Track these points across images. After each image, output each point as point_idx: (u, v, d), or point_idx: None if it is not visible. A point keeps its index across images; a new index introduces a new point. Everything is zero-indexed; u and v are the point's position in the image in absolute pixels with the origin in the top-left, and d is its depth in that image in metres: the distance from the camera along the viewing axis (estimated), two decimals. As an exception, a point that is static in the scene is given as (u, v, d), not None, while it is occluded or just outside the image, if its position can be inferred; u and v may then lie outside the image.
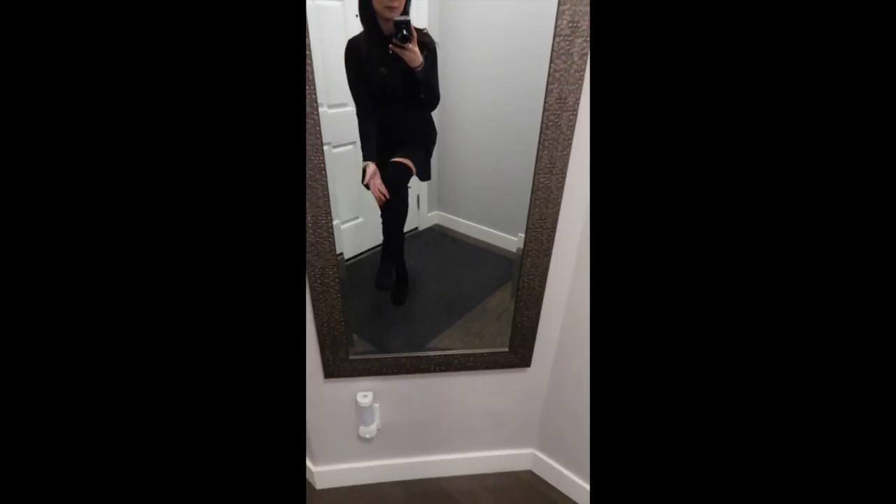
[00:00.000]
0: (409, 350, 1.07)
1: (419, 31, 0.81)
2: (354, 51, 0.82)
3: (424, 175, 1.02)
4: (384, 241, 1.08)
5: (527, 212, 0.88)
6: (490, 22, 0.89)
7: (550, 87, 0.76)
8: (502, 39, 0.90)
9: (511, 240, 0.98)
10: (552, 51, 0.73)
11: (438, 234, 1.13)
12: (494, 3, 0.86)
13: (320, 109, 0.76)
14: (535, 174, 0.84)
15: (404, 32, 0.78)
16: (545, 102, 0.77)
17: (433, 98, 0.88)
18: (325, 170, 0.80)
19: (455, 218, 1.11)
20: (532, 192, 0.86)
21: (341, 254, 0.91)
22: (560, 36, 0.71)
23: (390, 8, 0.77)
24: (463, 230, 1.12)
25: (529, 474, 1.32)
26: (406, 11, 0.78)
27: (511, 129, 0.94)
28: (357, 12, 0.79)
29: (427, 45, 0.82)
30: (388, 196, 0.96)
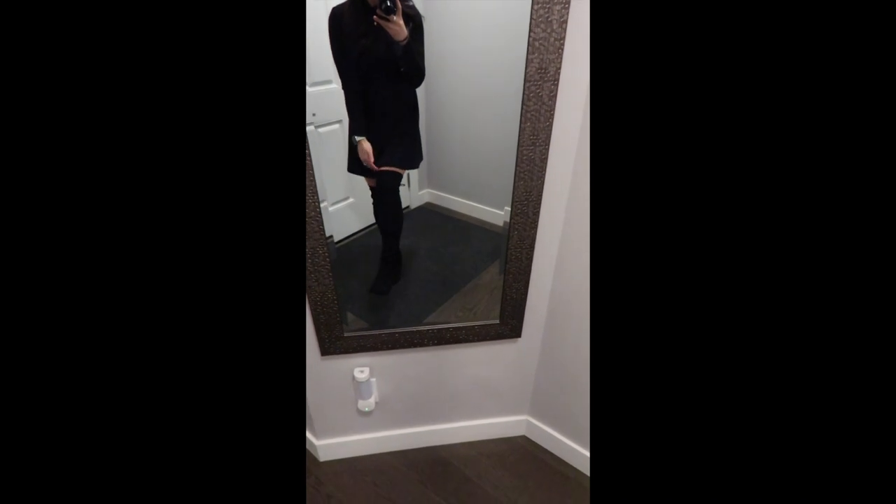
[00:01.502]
0: (403, 326, 1.10)
1: (405, 2, 0.78)
2: (337, 20, 0.80)
3: (417, 161, 1.01)
4: (383, 246, 1.09)
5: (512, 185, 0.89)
6: (473, 28, 0.87)
7: (531, 56, 0.75)
8: (486, 12, 0.88)
9: (499, 214, 0.99)
10: (531, 19, 0.72)
11: (430, 213, 1.14)
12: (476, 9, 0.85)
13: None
14: (518, 146, 0.84)
15: (388, 3, 0.76)
16: (525, 73, 0.76)
17: (418, 73, 0.86)
18: (308, 150, 0.80)
19: (446, 195, 1.12)
20: (516, 164, 0.86)
21: (331, 236, 0.91)
22: (538, 3, 0.70)
23: None
24: (454, 207, 1.13)
25: (524, 439, 1.37)
26: None
27: (497, 103, 0.94)
28: None
29: (413, 17, 0.80)
30: (374, 164, 0.95)
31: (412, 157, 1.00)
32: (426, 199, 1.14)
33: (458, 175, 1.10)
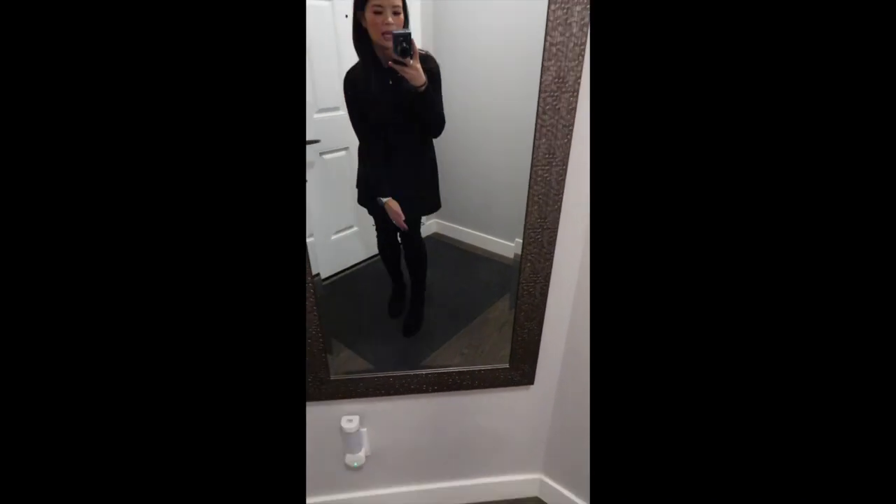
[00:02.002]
0: (405, 367, 0.98)
1: (421, 53, 0.73)
2: (353, 85, 0.76)
3: (436, 205, 0.95)
4: (417, 286, 1.04)
5: (524, 212, 0.78)
6: (482, 28, 0.81)
7: (547, 63, 0.66)
8: (495, 45, 0.82)
9: (509, 245, 0.88)
10: (547, 21, 0.63)
11: (438, 243, 1.06)
12: (485, 11, 0.79)
13: (308, 114, 0.69)
14: (532, 166, 0.74)
15: (404, 45, 0.70)
16: (541, 82, 0.67)
17: (438, 121, 0.81)
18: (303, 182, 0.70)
19: (454, 226, 1.04)
20: (529, 187, 0.75)
21: (318, 274, 0.84)
22: (556, 4, 0.62)
23: (386, 34, 0.70)
24: (462, 238, 1.05)
25: (536, 501, 1.19)
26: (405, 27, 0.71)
27: (509, 125, 0.85)
28: (347, 14, 0.71)
29: (430, 69, 0.75)
30: (404, 224, 0.91)
31: (432, 204, 0.95)
32: (433, 229, 1.06)
33: (466, 204, 1.02)
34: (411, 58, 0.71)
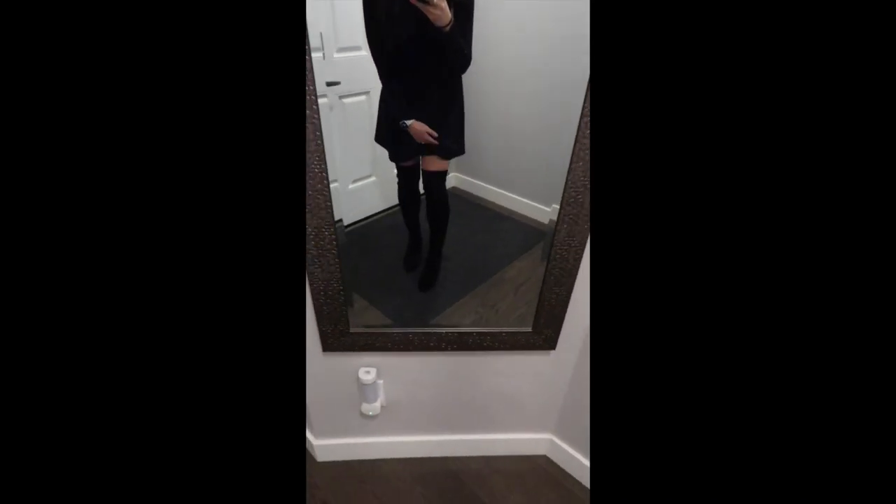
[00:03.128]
0: (418, 322, 0.96)
1: None
2: (372, 3, 0.68)
3: (459, 150, 0.88)
4: (436, 240, 0.99)
5: (565, 175, 0.72)
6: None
7: None
8: (543, 22, 0.73)
9: (544, 210, 0.83)
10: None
11: (455, 198, 1.00)
12: None
13: (318, 55, 0.61)
14: (581, 117, 0.66)
15: None
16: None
17: (463, 60, 0.73)
18: (319, 124, 0.65)
19: (476, 182, 0.98)
20: (575, 141, 0.68)
21: (340, 220, 0.79)
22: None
23: None
24: (484, 195, 0.99)
25: (544, 459, 1.22)
26: None
27: (553, 84, 0.77)
28: None
29: (459, 1, 0.66)
30: (436, 135, 0.84)
31: (458, 146, 0.88)
32: (452, 182, 1.00)
33: (494, 161, 0.95)
34: None
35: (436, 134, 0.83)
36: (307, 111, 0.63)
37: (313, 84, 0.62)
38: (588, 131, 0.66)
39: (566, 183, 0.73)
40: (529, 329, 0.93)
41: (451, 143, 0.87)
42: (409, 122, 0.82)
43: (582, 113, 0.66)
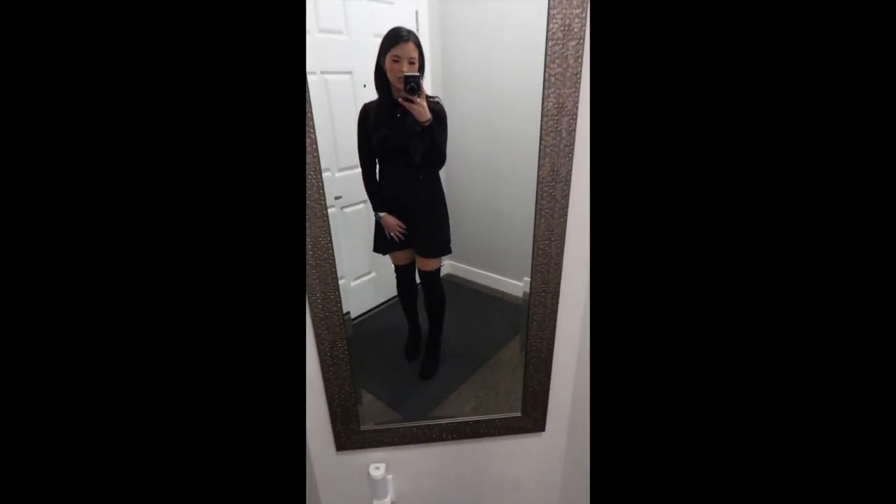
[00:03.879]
0: (423, 410, 1.06)
1: (430, 97, 0.87)
2: (365, 115, 0.89)
3: (444, 249, 1.04)
4: (434, 330, 1.12)
5: (530, 255, 0.88)
6: (488, 90, 0.95)
7: (542, 161, 0.80)
8: (501, 105, 0.95)
9: (518, 285, 0.99)
10: (541, 128, 0.77)
11: (449, 283, 1.13)
12: (492, 76, 0.93)
13: (328, 174, 0.77)
14: (534, 240, 0.86)
15: (412, 85, 0.84)
16: (538, 175, 0.81)
17: (439, 155, 0.91)
18: (331, 243, 0.83)
19: (466, 266, 1.13)
20: (532, 256, 0.88)
21: (347, 313, 0.92)
22: (547, 116, 0.76)
23: (400, 78, 0.84)
24: (473, 278, 1.13)
25: (554, 546, 1.24)
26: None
27: (513, 183, 0.97)
28: (365, 83, 0.86)
29: (436, 110, 0.88)
30: (404, 228, 0.99)
31: (444, 242, 1.03)
32: (447, 270, 1.14)
33: (477, 245, 1.11)
34: (418, 96, 0.84)
35: (403, 227, 0.98)
36: (322, 240, 0.80)
37: (323, 199, 0.79)
38: (538, 250, 0.86)
39: (531, 290, 0.91)
40: (519, 414, 1.05)
41: (438, 243, 1.02)
42: (382, 215, 0.98)
43: (534, 237, 0.86)
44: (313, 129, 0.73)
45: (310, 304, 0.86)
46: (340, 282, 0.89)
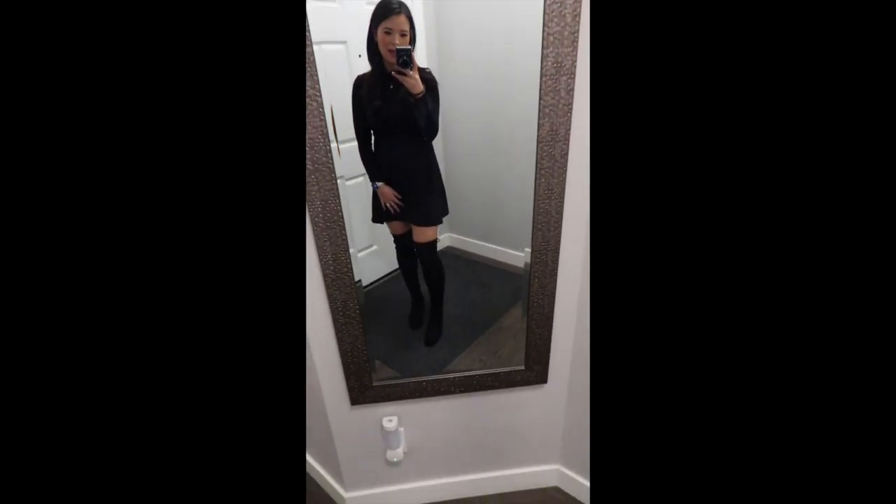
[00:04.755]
0: (429, 373, 1.12)
1: (422, 69, 0.88)
2: (358, 86, 0.91)
3: (441, 214, 1.06)
4: (435, 300, 1.16)
5: (531, 225, 0.92)
6: (483, 59, 0.96)
7: (542, 121, 0.82)
8: (496, 76, 0.96)
9: (518, 255, 1.03)
10: (540, 88, 0.79)
11: (451, 256, 1.18)
12: (486, 44, 0.94)
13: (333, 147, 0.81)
14: (534, 200, 0.90)
15: (405, 58, 0.85)
16: (538, 135, 0.83)
17: (431, 126, 0.93)
18: (340, 206, 0.86)
19: (466, 238, 1.16)
20: (534, 216, 0.91)
21: (359, 281, 0.96)
22: (546, 76, 0.78)
23: (392, 51, 0.85)
24: (474, 250, 1.17)
25: (556, 490, 1.33)
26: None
27: (511, 155, 1.00)
28: (360, 54, 0.87)
29: (428, 80, 0.89)
30: (400, 201, 1.02)
31: (438, 212, 1.06)
32: (447, 242, 1.18)
33: (476, 217, 1.14)
34: (410, 69, 0.85)
35: (399, 197, 1.00)
36: (332, 201, 0.84)
37: (334, 173, 0.82)
38: (539, 209, 0.90)
39: (532, 247, 0.95)
40: (522, 367, 1.11)
41: (431, 213, 1.04)
42: (378, 185, 1.01)
43: (535, 196, 0.89)
44: (319, 93, 0.75)
45: (321, 265, 0.91)
46: (351, 251, 0.91)
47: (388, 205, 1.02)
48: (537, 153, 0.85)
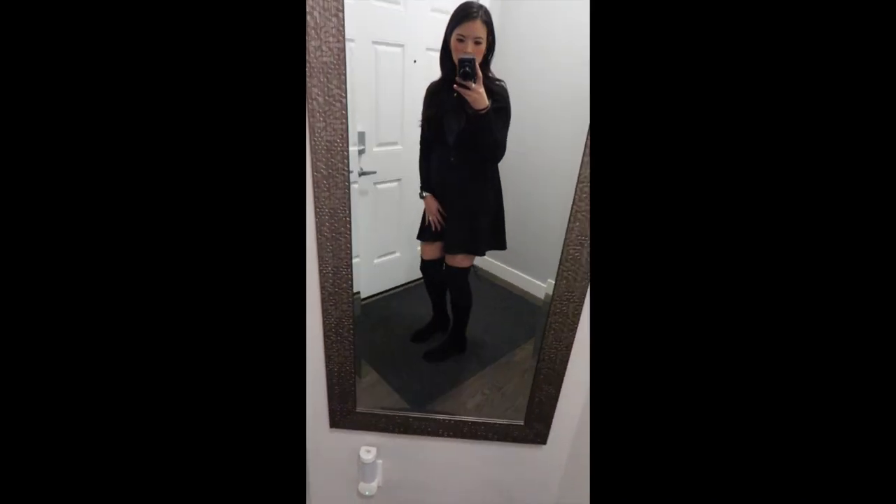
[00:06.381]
0: (427, 398, 1.05)
1: (497, 80, 0.79)
2: (430, 94, 0.84)
3: (490, 245, 0.99)
4: (458, 327, 1.10)
5: (559, 255, 0.83)
6: (535, 80, 0.89)
7: (585, 159, 0.72)
8: (549, 96, 0.89)
9: (541, 286, 0.94)
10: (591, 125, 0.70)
11: (471, 276, 1.10)
12: (541, 55, 0.87)
13: (367, 148, 0.75)
14: (563, 245, 0.80)
15: (467, 69, 0.76)
16: (579, 174, 0.74)
17: (494, 145, 0.84)
18: (349, 216, 0.79)
19: (490, 260, 1.10)
20: (560, 262, 0.81)
21: (358, 293, 0.90)
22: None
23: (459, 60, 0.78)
24: (496, 272, 1.11)
25: (538, 561, 1.19)
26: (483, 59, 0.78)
27: (551, 187, 0.92)
28: (416, 59, 0.82)
29: (497, 99, 0.80)
30: (443, 220, 0.95)
31: (483, 244, 0.98)
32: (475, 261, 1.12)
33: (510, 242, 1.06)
34: (473, 81, 0.76)
35: (444, 215, 0.93)
36: (342, 211, 0.76)
37: (346, 169, 0.74)
38: (568, 256, 0.80)
39: (552, 296, 0.84)
40: (521, 423, 0.99)
41: (480, 240, 0.96)
42: (426, 194, 0.93)
43: (564, 242, 0.79)
44: (345, 94, 0.68)
45: (320, 278, 0.83)
46: (361, 258, 0.86)
47: (430, 219, 0.95)
48: (575, 194, 0.75)
